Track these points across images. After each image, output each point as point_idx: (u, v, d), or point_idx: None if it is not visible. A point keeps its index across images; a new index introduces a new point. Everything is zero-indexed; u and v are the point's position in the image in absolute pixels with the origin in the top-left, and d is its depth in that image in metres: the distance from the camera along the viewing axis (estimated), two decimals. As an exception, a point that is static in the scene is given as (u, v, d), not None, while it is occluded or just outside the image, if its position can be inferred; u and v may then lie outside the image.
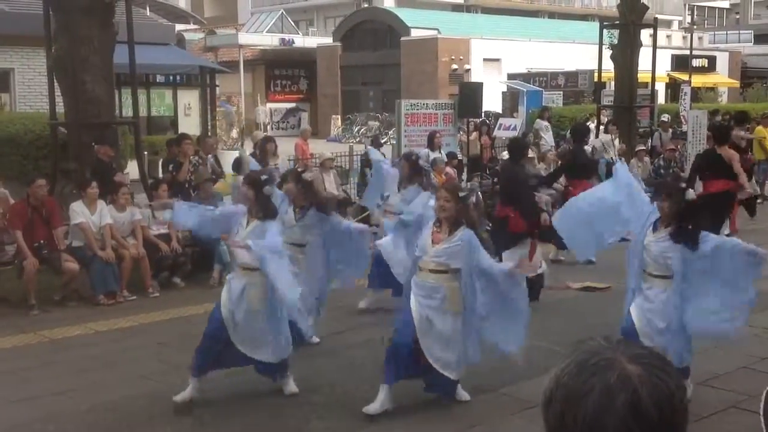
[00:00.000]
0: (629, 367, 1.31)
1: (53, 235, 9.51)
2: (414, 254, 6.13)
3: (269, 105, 39.83)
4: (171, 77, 23.88)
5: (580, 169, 11.41)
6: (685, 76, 30.87)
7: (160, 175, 12.85)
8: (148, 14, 27.90)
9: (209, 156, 12.69)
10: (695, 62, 36.61)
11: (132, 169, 12.83)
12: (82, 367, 7.25)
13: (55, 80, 11.21)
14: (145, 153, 13.86)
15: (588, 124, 20.94)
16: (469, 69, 36.88)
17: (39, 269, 9.23)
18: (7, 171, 11.54)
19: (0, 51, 18.92)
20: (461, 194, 5.98)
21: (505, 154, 16.08)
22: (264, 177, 6.42)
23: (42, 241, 9.33)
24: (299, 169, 8.42)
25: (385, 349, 6.07)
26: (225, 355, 6.26)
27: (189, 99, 24.11)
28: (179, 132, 18.81)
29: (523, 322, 6.05)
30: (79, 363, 7.38)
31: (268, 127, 35.22)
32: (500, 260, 7.77)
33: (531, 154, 15.29)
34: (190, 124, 22.28)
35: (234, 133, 23.31)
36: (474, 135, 17.51)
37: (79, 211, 9.63)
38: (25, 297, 9.19)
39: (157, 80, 23.78)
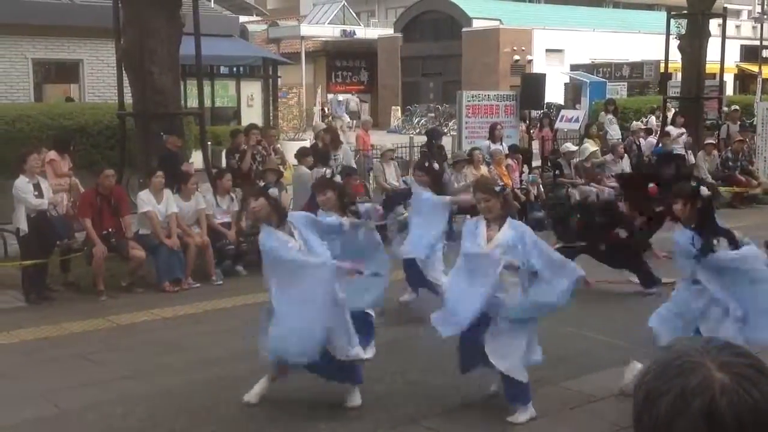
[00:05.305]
0: (716, 374, 1.25)
1: (121, 224, 9.75)
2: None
3: (329, 95, 40.02)
4: (234, 68, 24.16)
5: None
6: (754, 67, 30.05)
7: (224, 164, 13.04)
8: (212, 6, 28.27)
9: (271, 146, 12.91)
10: (765, 53, 35.59)
11: (196, 159, 13.05)
12: (148, 352, 7.42)
13: (123, 71, 11.45)
14: (209, 143, 14.04)
15: (652, 116, 20.60)
16: (531, 60, 36.51)
17: (107, 256, 9.47)
18: (77, 160, 11.83)
19: (70, 42, 19.39)
20: (496, 189, 5.85)
21: (569, 145, 15.92)
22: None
23: (110, 229, 9.56)
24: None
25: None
26: None
27: (252, 90, 24.35)
28: (241, 122, 19.03)
29: (572, 277, 5.74)
30: (146, 348, 7.56)
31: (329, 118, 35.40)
32: None
33: (594, 146, 15.10)
34: (252, 115, 22.50)
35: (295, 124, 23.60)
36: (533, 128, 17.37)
37: (146, 200, 9.86)
38: (94, 283, 9.47)
39: (221, 71, 24.06)
